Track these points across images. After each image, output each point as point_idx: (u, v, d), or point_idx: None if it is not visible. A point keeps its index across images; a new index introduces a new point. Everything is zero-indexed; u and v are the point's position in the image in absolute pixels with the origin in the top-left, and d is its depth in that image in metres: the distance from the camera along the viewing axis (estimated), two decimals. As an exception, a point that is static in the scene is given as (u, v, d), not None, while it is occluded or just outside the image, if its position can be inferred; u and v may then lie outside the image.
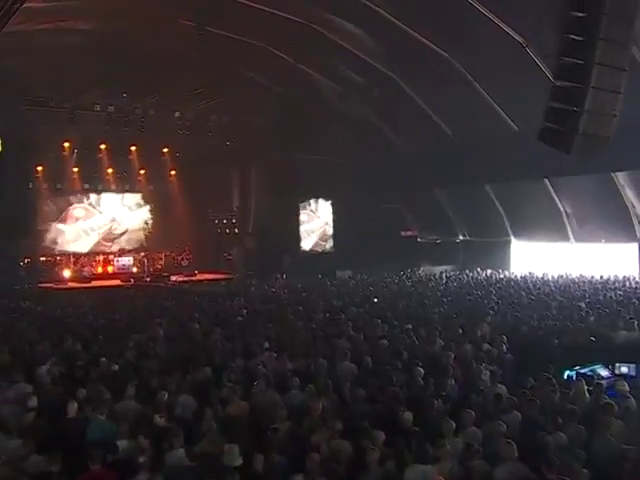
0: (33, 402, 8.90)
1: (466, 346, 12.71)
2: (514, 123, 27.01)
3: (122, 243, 36.27)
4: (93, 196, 35.40)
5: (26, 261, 30.55)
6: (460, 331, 14.05)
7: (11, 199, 27.35)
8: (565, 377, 10.91)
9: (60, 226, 34.18)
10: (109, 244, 35.86)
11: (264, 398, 9.27)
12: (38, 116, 27.76)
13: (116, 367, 11.12)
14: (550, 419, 7.65)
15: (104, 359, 11.38)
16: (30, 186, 31.87)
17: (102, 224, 35.72)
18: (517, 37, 23.29)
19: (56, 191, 33.55)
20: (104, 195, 35.65)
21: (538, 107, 21.31)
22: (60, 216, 34.19)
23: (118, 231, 36.30)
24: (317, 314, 17.25)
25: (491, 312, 16.70)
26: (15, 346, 13.09)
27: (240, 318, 16.81)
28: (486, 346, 12.66)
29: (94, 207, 35.44)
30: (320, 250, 36.90)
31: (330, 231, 37.28)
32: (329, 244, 37.24)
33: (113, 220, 36.07)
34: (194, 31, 23.94)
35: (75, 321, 16.89)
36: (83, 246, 34.97)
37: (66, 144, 31.24)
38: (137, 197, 37.02)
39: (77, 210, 34.91)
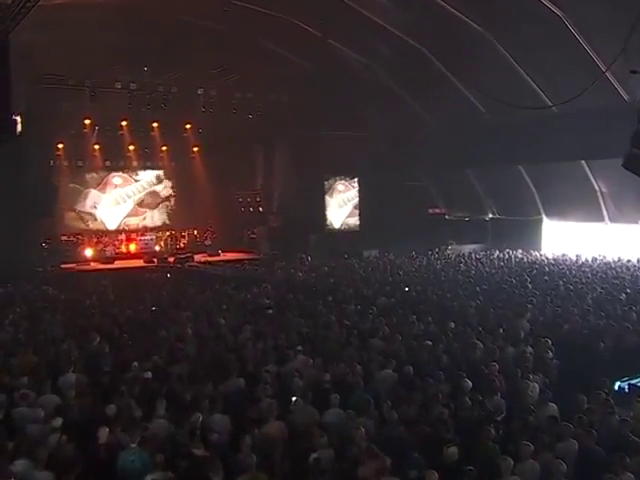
0: (58, 422, 8.54)
1: (508, 349, 12.22)
2: (551, 101, 26.04)
3: (145, 220, 36.10)
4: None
5: (48, 241, 30.26)
6: (500, 330, 13.50)
7: (32, 178, 27.09)
8: (616, 388, 10.44)
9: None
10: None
11: (302, 417, 8.88)
12: (58, 94, 27.29)
13: (146, 374, 10.77)
14: (617, 458, 7.10)
15: (134, 364, 11.04)
16: (51, 164, 31.56)
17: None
18: (556, 10, 22.32)
19: (77, 169, 33.30)
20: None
21: (577, 85, 20.56)
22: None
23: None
24: (348, 306, 16.85)
25: (529, 306, 16.09)
26: (40, 345, 12.84)
27: (270, 311, 16.43)
28: (529, 349, 12.12)
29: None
30: (346, 227, 36.39)
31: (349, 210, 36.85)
32: (354, 222, 36.66)
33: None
34: (218, 5, 23.22)
35: (100, 312, 16.63)
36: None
37: (87, 121, 30.79)
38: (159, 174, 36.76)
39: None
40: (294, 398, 9.43)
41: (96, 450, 7.84)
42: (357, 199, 36.43)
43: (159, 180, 36.67)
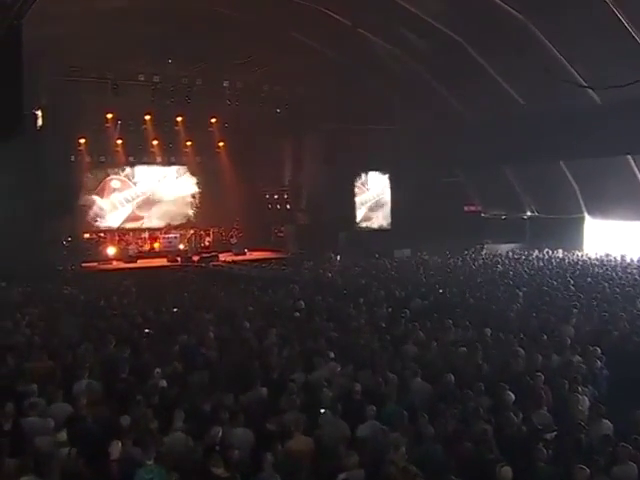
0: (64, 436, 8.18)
1: (553, 358, 11.63)
2: (596, 94, 25.23)
3: (167, 218, 35.90)
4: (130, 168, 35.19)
5: (69, 239, 30.18)
6: (544, 337, 12.89)
7: (53, 174, 26.97)
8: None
9: (96, 199, 34.10)
10: (145, 214, 35.57)
11: (331, 432, 8.42)
12: (80, 87, 27.23)
13: (163, 383, 10.39)
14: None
15: (156, 370, 10.69)
16: (72, 159, 31.51)
17: (135, 195, 35.45)
18: (605, -4, 21.55)
19: (99, 164, 33.26)
20: (143, 167, 35.44)
21: (623, 76, 19.75)
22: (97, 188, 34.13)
23: (153, 202, 35.93)
24: (380, 309, 16.38)
25: (574, 310, 15.44)
26: (56, 348, 12.55)
27: (297, 314, 16.02)
28: (577, 358, 11.50)
29: (130, 179, 35.22)
30: (376, 226, 36.15)
31: (381, 205, 36.53)
32: (385, 220, 36.43)
33: (148, 192, 35.76)
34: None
35: (120, 313, 16.33)
36: (117, 218, 34.88)
37: (109, 115, 30.71)
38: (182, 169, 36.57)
39: (114, 182, 34.72)
40: (322, 410, 9.01)
41: (108, 467, 7.45)
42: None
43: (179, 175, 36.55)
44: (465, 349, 12.04)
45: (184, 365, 11.42)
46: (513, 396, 9.45)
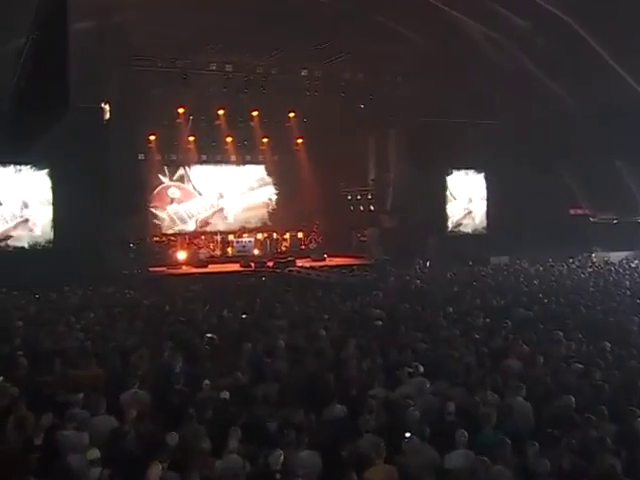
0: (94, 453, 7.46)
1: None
2: None
3: (241, 222, 35.69)
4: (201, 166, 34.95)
5: (137, 242, 30.26)
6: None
7: (120, 172, 26.99)
8: None
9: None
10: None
11: (418, 460, 7.47)
12: (149, 79, 27.25)
13: (224, 395, 9.68)
14: None
15: (207, 382, 10.04)
16: (141, 157, 31.68)
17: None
18: None
19: (170, 162, 33.34)
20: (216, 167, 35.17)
21: None
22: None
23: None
24: (476, 320, 15.35)
25: None
26: (108, 355, 12.09)
27: (380, 322, 15.17)
28: None
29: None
30: (469, 230, 35.16)
31: (475, 207, 35.52)
32: (480, 224, 35.36)
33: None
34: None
35: (183, 318, 16.01)
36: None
37: (180, 110, 30.72)
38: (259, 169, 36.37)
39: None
40: (407, 434, 8.04)
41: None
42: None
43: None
44: (581, 366, 10.96)
45: (249, 376, 10.81)
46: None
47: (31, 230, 26.02)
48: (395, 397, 9.75)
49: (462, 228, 35.03)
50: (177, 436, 7.83)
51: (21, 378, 10.47)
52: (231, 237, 34.30)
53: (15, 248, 25.66)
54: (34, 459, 7.31)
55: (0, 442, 8.14)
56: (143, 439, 8.01)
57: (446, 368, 11.14)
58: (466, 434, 7.86)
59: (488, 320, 15.34)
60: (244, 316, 16.38)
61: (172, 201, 34.36)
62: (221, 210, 35.34)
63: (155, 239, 32.53)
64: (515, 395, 9.47)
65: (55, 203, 25.95)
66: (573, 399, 9.10)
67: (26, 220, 25.97)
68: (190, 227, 34.55)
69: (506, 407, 9.15)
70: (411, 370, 10.62)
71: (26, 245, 25.86)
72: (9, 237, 25.80)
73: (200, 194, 34.90)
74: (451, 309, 16.57)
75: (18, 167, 25.67)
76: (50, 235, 26.07)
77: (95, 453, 7.31)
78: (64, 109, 11.46)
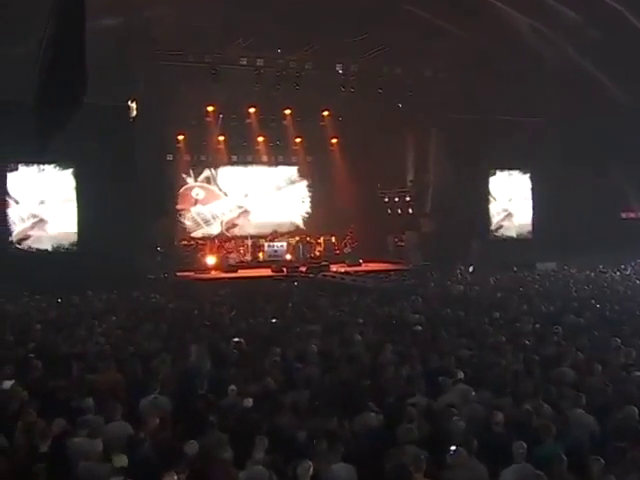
0: (122, 461, 7.10)
1: None
2: None
3: (273, 225, 35.43)
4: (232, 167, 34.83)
5: (164, 246, 30.07)
6: None
7: (147, 173, 26.86)
8: None
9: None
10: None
11: (465, 476, 6.99)
12: (177, 75, 27.12)
13: (249, 402, 9.30)
14: None
15: (233, 388, 9.67)
16: (169, 158, 31.63)
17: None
18: None
19: (199, 163, 33.26)
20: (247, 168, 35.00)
21: None
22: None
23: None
24: (524, 325, 14.85)
25: None
26: (127, 359, 11.81)
27: (419, 328, 14.72)
28: None
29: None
30: (514, 234, 34.55)
31: (520, 210, 34.96)
32: (525, 227, 34.73)
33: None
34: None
35: (210, 323, 15.88)
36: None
37: (210, 108, 30.62)
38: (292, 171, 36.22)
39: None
40: (452, 447, 7.52)
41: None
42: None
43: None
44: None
45: (278, 382, 10.50)
46: None
47: (46, 230, 25.84)
48: (437, 406, 9.33)
49: (504, 231, 34.56)
50: (197, 445, 7.48)
51: (33, 382, 10.26)
52: (262, 241, 34.08)
53: (38, 250, 25.58)
54: (41, 468, 6.95)
55: (7, 449, 7.86)
56: (160, 447, 7.68)
57: (491, 376, 10.71)
58: (525, 446, 7.35)
59: (538, 326, 14.93)
60: (274, 321, 16.24)
61: (196, 202, 34.44)
62: (247, 212, 35.25)
63: (183, 242, 32.54)
64: (573, 406, 8.95)
65: (79, 203, 25.91)
66: (636, 410, 8.54)
67: (42, 220, 25.85)
68: (215, 229, 34.58)
69: (563, 418, 8.61)
70: (455, 377, 10.19)
71: (49, 247, 25.76)
72: (27, 237, 25.71)
73: (226, 195, 34.89)
74: (497, 315, 16.20)
75: (42, 167, 25.63)
76: (74, 237, 26.00)
77: (123, 460, 7.05)
78: (77, 106, 11.26)
